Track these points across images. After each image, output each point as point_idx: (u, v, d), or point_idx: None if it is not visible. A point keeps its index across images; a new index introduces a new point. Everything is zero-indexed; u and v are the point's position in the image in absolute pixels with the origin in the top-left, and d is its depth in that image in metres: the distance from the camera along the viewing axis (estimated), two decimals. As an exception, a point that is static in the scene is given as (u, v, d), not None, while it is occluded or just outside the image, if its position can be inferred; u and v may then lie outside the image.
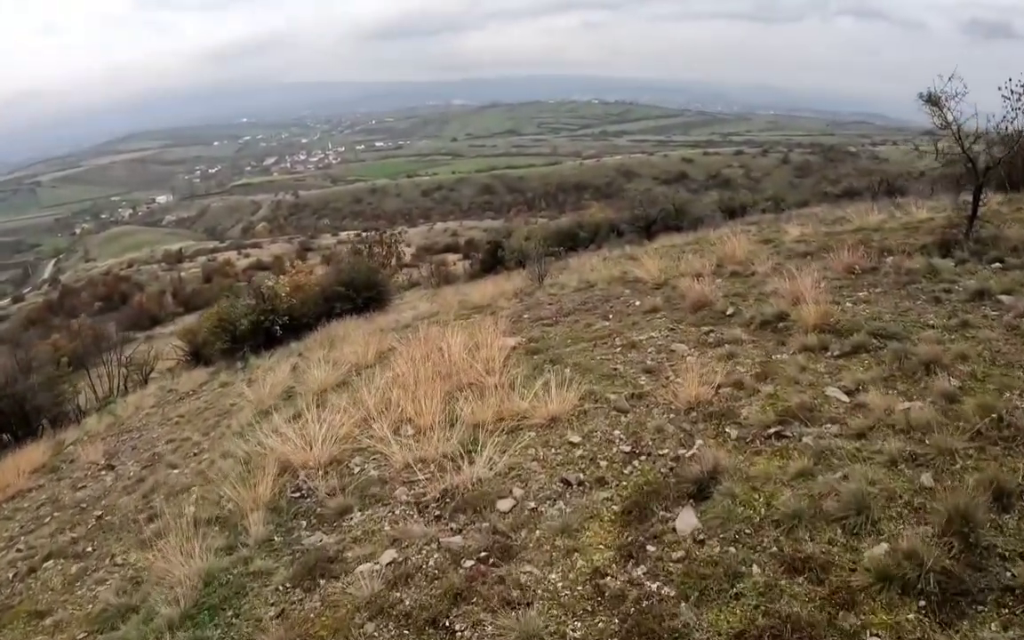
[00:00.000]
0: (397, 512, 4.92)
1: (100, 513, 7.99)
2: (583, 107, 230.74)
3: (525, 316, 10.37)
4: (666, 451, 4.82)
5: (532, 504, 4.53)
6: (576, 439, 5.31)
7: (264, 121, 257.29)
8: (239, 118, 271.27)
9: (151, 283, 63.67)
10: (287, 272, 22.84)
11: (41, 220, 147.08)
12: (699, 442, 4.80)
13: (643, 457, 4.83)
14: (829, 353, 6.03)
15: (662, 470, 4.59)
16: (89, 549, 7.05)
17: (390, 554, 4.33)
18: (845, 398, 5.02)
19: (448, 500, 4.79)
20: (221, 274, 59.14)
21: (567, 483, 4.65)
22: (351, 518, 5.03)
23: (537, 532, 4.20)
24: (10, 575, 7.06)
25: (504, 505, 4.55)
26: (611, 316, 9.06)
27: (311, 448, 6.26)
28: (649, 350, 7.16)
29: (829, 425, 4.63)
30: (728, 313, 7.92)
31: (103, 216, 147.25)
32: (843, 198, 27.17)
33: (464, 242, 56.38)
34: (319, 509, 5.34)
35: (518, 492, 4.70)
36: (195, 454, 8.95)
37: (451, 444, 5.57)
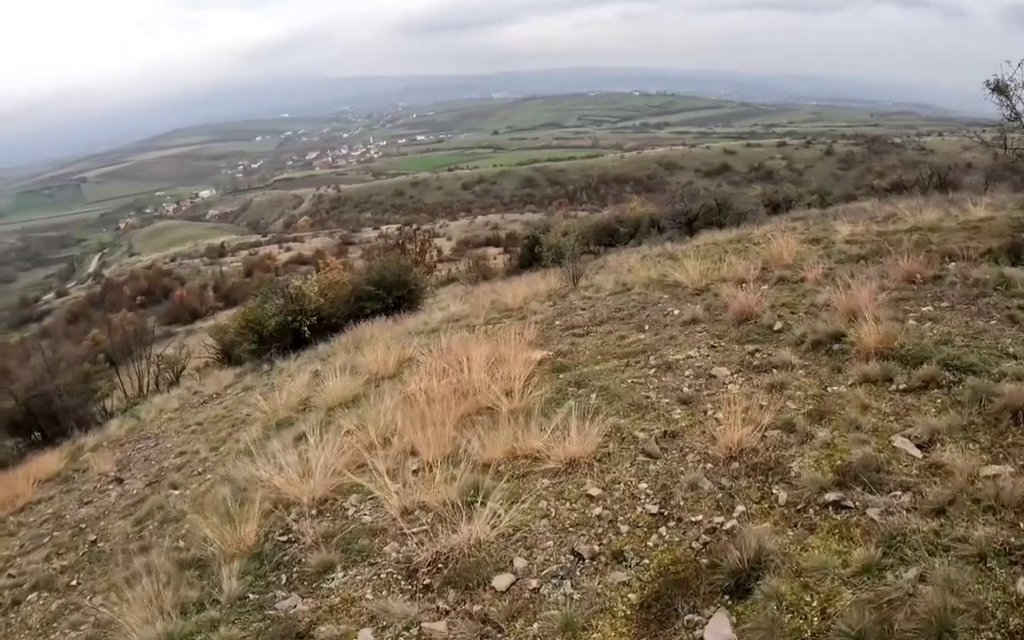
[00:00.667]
0: (383, 576, 4.27)
1: (95, 538, 7.58)
2: (624, 99, 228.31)
3: (556, 323, 9.71)
4: (700, 517, 4.03)
5: (534, 583, 3.79)
6: (595, 491, 4.57)
7: (306, 116, 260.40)
8: (281, 113, 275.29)
9: (193, 277, 64.72)
10: (320, 269, 22.59)
11: (87, 215, 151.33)
12: (740, 508, 4.00)
13: (672, 523, 4.05)
14: (894, 386, 5.17)
15: (693, 545, 3.81)
16: (74, 582, 6.63)
17: (365, 636, 3.67)
18: (917, 453, 4.16)
19: (440, 565, 4.10)
20: (262, 268, 59.77)
21: (578, 556, 3.92)
22: (332, 578, 4.40)
23: (535, 625, 3.46)
24: (-6, 605, 6.66)
25: (501, 582, 3.83)
26: (647, 327, 8.31)
27: (308, 480, 5.67)
28: (686, 373, 6.39)
29: (899, 493, 3.77)
30: (776, 329, 7.09)
31: (147, 211, 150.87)
32: (891, 192, 26.01)
33: (505, 235, 56.06)
34: (303, 558, 4.74)
35: (520, 563, 3.98)
36: (199, 473, 8.49)
37: (455, 488, 4.90)
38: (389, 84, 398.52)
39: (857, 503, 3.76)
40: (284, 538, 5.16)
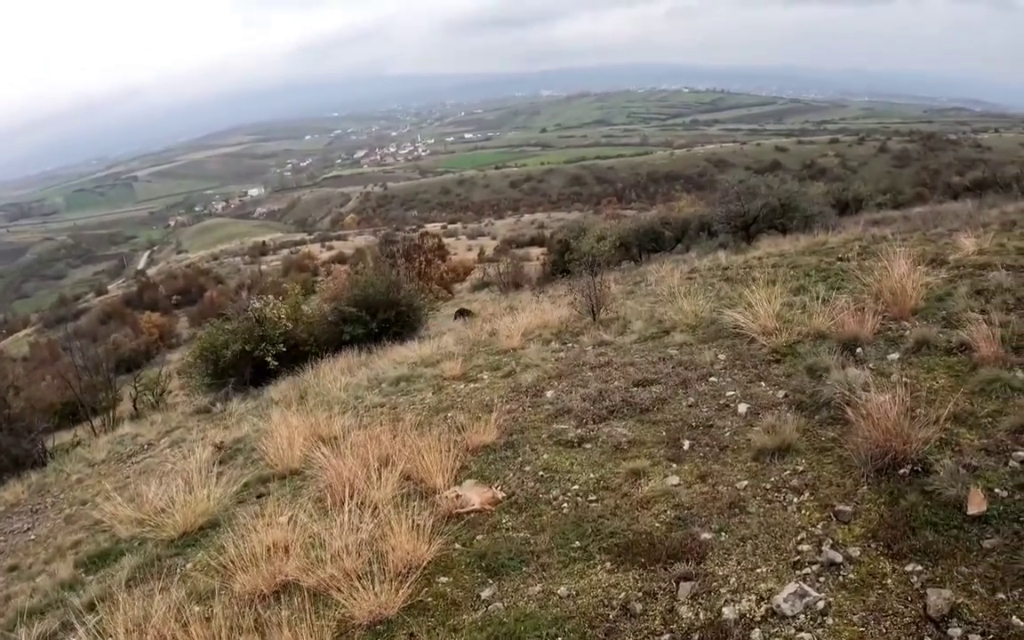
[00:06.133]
0: None
1: None
2: (673, 96, 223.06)
3: (547, 395, 6.73)
4: None
5: None
6: None
7: (355, 114, 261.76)
8: (330, 112, 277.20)
9: (232, 275, 63.45)
10: (324, 276, 20.01)
11: (137, 213, 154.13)
12: None
13: None
14: None
15: None
16: None
17: None
18: None
19: None
20: (299, 267, 57.81)
21: None
22: None
23: None
24: None
25: None
26: (685, 445, 4.97)
27: None
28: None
29: None
30: (971, 514, 3.35)
31: (196, 209, 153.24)
32: (974, 191, 23.27)
33: (550, 235, 53.61)
34: None
35: None
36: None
37: None
38: (438, 82, 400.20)
39: None
40: None
